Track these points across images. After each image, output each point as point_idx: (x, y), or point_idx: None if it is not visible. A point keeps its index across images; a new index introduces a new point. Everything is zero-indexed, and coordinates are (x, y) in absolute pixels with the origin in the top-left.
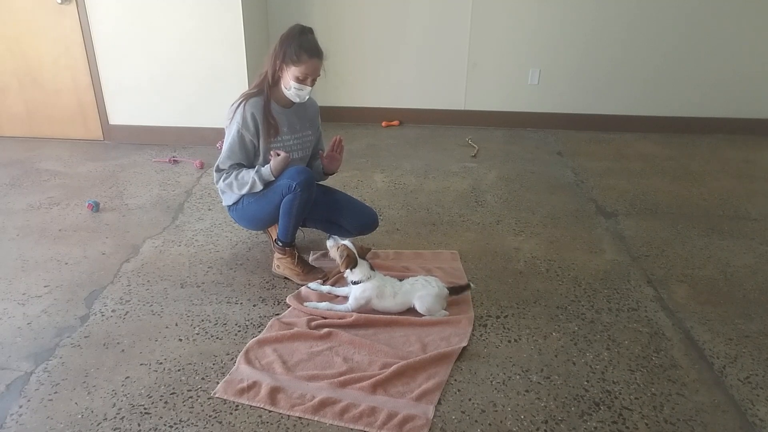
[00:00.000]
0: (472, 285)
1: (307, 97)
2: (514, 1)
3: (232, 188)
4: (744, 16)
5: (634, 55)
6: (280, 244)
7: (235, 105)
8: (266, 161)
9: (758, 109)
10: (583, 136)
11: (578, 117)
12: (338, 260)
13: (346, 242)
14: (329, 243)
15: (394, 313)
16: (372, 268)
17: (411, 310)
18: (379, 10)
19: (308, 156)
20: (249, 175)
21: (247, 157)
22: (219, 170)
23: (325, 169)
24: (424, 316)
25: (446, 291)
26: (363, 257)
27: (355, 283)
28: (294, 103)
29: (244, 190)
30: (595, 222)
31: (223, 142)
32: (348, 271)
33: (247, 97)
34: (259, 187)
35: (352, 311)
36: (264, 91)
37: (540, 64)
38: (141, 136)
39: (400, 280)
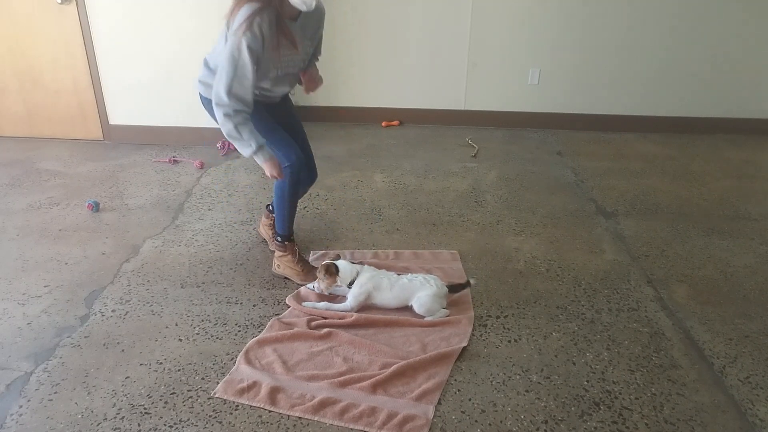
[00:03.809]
0: (471, 281)
1: (314, 3)
2: (514, 1)
3: (225, 128)
4: (744, 16)
5: (634, 55)
6: (280, 239)
7: (242, 17)
8: (265, 76)
9: (758, 109)
10: (583, 136)
11: (578, 117)
12: (325, 282)
13: (327, 261)
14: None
15: (393, 308)
16: (353, 262)
17: (412, 310)
18: (379, 10)
19: (304, 68)
20: (250, 143)
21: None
22: (222, 103)
23: (304, 85)
24: (424, 317)
25: (445, 290)
26: (337, 258)
27: (351, 284)
28: (299, 15)
29: (233, 142)
30: (595, 222)
31: (223, 142)
32: (338, 278)
33: (258, 11)
34: (246, 154)
35: (352, 309)
36: (272, 4)
37: (540, 64)
38: (141, 136)
39: (398, 275)
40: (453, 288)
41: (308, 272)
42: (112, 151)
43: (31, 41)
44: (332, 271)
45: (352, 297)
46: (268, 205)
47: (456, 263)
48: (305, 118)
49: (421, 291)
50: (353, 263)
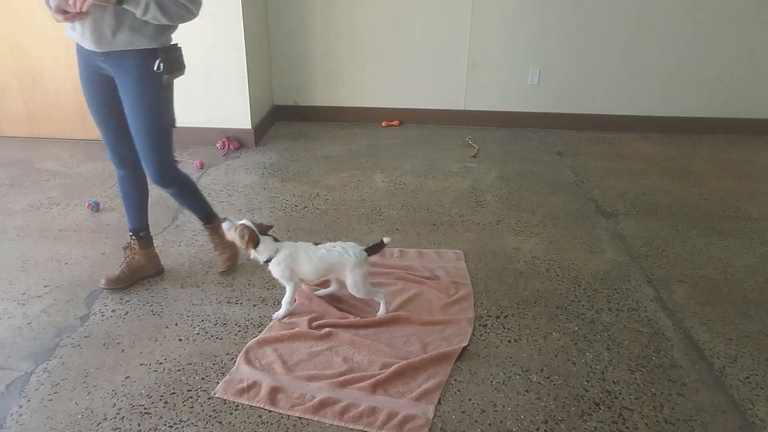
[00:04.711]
0: (385, 240)
1: None
2: (514, 1)
3: None
4: (744, 17)
5: (634, 56)
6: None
7: None
8: None
9: (758, 109)
10: (583, 136)
11: (578, 117)
12: (239, 242)
13: (244, 221)
14: (225, 225)
15: (316, 280)
16: (276, 239)
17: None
18: (379, 10)
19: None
20: None
21: None
22: None
23: None
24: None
25: (364, 254)
26: (265, 233)
27: (267, 262)
28: None
29: None
30: (595, 222)
31: (223, 142)
32: (253, 251)
33: None
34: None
35: (294, 289)
36: None
37: (540, 64)
38: None
39: (316, 245)
40: (370, 250)
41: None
42: None
43: (32, 41)
44: (253, 239)
45: (281, 279)
46: (206, 221)
47: (460, 263)
48: (305, 118)
49: (345, 266)
50: (276, 240)
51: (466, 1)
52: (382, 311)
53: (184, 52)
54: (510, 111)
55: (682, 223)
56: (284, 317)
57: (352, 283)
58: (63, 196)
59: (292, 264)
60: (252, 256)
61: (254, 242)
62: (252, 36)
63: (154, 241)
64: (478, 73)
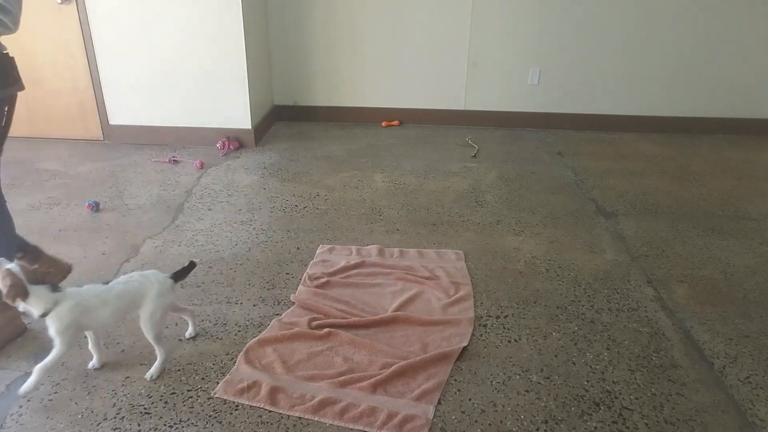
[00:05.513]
0: (196, 261)
1: None
2: (514, 1)
3: None
4: (744, 17)
5: (635, 55)
6: None
7: None
8: None
9: (758, 109)
10: (583, 136)
11: (578, 117)
12: (3, 291)
13: (11, 266)
14: None
15: (116, 324)
16: (55, 288)
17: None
18: (379, 10)
19: None
20: None
21: None
22: None
23: None
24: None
25: (169, 281)
26: (40, 281)
27: (43, 316)
28: None
29: None
30: (595, 222)
31: (223, 142)
32: (22, 303)
33: None
34: None
35: (63, 351)
36: None
37: (540, 64)
38: (141, 136)
39: (106, 283)
40: (177, 275)
41: None
42: (112, 151)
43: (31, 41)
44: (18, 291)
45: (56, 335)
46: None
47: (460, 263)
48: (305, 118)
49: (146, 294)
50: (54, 291)
51: (466, 1)
52: (157, 365)
53: (186, 53)
54: (510, 111)
55: (682, 223)
56: (34, 389)
57: (148, 315)
58: (63, 196)
59: (81, 316)
60: (21, 309)
61: (21, 294)
62: (252, 36)
63: (154, 241)
64: (478, 73)
